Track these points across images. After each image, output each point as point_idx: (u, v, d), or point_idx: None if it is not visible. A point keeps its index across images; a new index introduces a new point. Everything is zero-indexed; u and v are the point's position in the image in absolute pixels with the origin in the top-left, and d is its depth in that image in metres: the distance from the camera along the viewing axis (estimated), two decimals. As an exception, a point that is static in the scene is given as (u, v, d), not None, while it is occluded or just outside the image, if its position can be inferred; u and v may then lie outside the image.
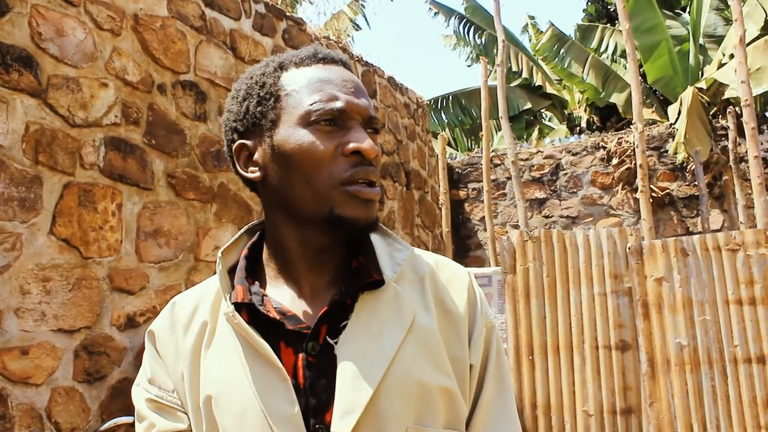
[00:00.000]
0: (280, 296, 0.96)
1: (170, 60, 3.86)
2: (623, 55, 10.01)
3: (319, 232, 0.94)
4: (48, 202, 3.00)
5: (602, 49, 10.47)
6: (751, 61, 7.09)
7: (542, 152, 8.20)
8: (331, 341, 0.90)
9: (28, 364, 2.82)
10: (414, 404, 0.89)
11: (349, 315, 0.92)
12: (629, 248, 5.12)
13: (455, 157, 9.39)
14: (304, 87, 0.94)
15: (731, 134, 7.03)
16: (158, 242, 3.57)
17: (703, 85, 8.08)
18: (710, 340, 4.86)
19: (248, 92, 0.97)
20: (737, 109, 7.02)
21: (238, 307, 0.93)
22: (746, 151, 6.26)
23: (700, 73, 9.20)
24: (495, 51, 10.25)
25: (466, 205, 8.49)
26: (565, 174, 7.99)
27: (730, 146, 7.02)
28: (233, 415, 0.89)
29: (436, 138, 8.27)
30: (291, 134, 0.92)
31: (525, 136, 11.51)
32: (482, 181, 7.50)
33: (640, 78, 6.76)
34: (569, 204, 7.91)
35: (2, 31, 2.91)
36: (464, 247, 8.35)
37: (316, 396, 0.89)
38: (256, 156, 0.96)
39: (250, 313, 0.93)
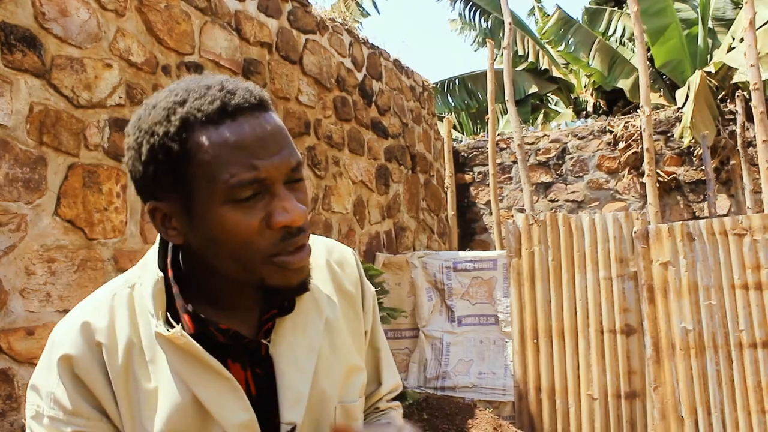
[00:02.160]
0: (219, 316, 0.95)
1: (175, 41, 3.83)
2: (631, 38, 9.93)
3: (249, 287, 0.93)
4: (53, 183, 3.00)
5: (610, 32, 10.39)
6: (761, 45, 7.02)
7: (548, 136, 8.17)
8: (264, 341, 0.96)
9: (34, 345, 2.82)
10: (338, 385, 1.01)
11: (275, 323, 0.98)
12: (635, 232, 5.11)
13: (461, 141, 9.36)
14: (217, 156, 0.84)
15: (739, 118, 6.98)
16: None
17: (711, 69, 8.01)
18: (715, 325, 4.85)
19: (151, 155, 0.87)
20: (746, 93, 6.97)
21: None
22: (754, 136, 6.22)
23: (708, 57, 9.12)
24: (501, 34, 10.17)
25: (471, 188, 8.46)
26: (571, 158, 7.96)
27: (738, 131, 6.98)
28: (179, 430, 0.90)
29: (442, 121, 8.24)
30: (210, 212, 0.86)
31: (531, 120, 11.45)
32: (488, 165, 7.47)
33: (647, 62, 6.70)
34: (575, 188, 7.89)
35: (5, 11, 2.88)
36: (469, 231, 8.33)
37: (265, 401, 0.95)
38: (174, 221, 0.91)
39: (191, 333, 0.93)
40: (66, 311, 2.98)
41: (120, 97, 3.42)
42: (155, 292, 0.92)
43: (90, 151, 3.21)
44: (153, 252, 0.99)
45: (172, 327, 0.90)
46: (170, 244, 0.98)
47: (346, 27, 5.92)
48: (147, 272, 0.95)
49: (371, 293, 1.15)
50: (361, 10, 11.35)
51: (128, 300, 0.95)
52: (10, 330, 2.74)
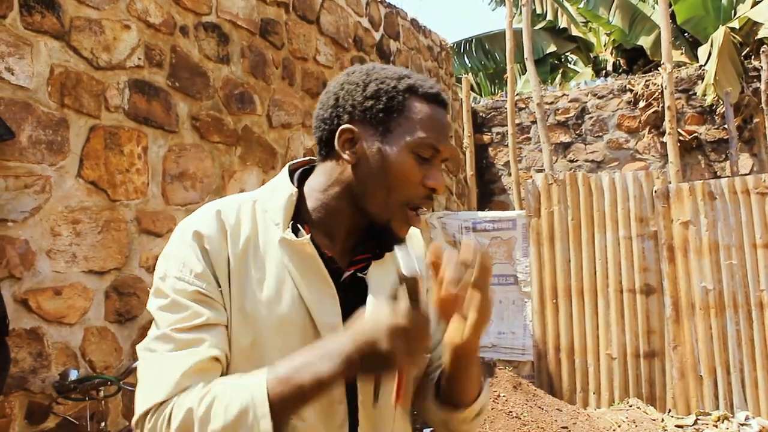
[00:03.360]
0: (322, 241, 1.15)
1: (192, 1, 3.81)
2: (652, -5, 9.72)
3: (365, 219, 1.14)
4: (75, 145, 3.01)
5: (630, -12, 10.17)
6: (786, -1, 6.85)
7: (567, 96, 8.07)
8: (361, 274, 1.16)
9: (62, 304, 2.87)
10: None
11: (367, 268, 1.17)
12: (655, 192, 5.06)
13: (479, 102, 9.26)
14: (423, 119, 1.11)
15: (764, 75, 6.85)
16: (184, 185, 3.58)
17: (735, 24, 7.84)
18: (736, 285, 4.83)
19: (377, 94, 1.12)
20: (770, 49, 6.82)
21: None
22: (778, 93, 6.11)
23: (732, 12, 8.92)
24: (520, -8, 10.00)
25: (490, 149, 8.41)
26: (591, 118, 7.87)
27: (763, 87, 6.85)
28: (280, 325, 1.07)
29: (460, 82, 8.16)
30: (397, 151, 1.10)
31: (550, 80, 11.30)
32: (506, 126, 7.41)
33: (669, 18, 6.57)
34: (594, 148, 7.81)
35: (23, -28, 2.87)
36: (488, 192, 8.31)
37: (351, 314, 1.06)
38: (358, 145, 1.13)
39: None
40: (92, 272, 3.03)
41: (139, 59, 3.41)
42: (288, 203, 1.14)
43: (111, 113, 3.22)
44: (282, 178, 1.19)
45: (294, 234, 1.12)
46: (296, 176, 1.21)
47: (363, -15, 5.84)
48: (276, 191, 1.17)
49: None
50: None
51: (251, 210, 1.15)
52: (39, 290, 2.78)
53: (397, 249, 1.14)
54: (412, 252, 1.19)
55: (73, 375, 2.64)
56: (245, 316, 1.06)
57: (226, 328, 1.06)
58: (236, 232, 1.12)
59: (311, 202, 1.17)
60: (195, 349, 1.01)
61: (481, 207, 7.77)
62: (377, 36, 5.89)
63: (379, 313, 0.96)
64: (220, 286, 1.07)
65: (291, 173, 1.21)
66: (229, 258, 1.09)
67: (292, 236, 1.11)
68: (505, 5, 7.36)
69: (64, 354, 2.87)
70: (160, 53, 3.55)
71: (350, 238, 1.18)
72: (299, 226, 1.13)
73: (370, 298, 1.15)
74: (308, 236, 1.11)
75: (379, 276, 1.18)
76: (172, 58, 3.63)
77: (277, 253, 1.11)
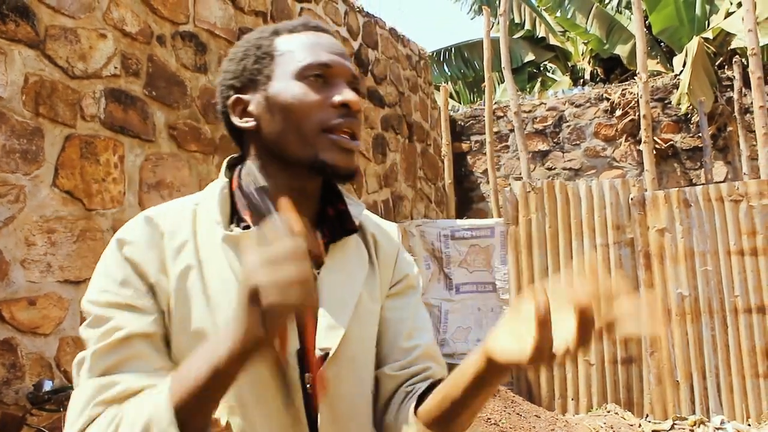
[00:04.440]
0: None
1: (169, 10, 3.80)
2: (628, 5, 9.86)
3: (303, 177, 1.04)
4: (50, 154, 2.99)
5: (607, -1, 10.31)
6: (759, 10, 6.98)
7: (545, 104, 8.14)
8: (315, 271, 1.02)
9: (36, 315, 2.84)
10: (375, 330, 1.08)
11: (326, 254, 1.05)
12: (632, 199, 5.12)
13: (458, 110, 9.32)
14: (297, 48, 1.04)
15: (737, 84, 6.96)
16: (161, 194, 3.57)
17: (709, 35, 7.97)
18: (711, 291, 4.89)
19: (245, 53, 1.06)
20: (743, 59, 6.94)
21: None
22: (751, 102, 6.21)
23: (706, 23, 9.06)
24: (498, 2, 10.09)
25: (468, 157, 8.46)
26: (568, 126, 7.94)
27: (736, 97, 6.96)
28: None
29: (438, 91, 8.20)
30: (284, 86, 1.01)
31: (528, 89, 11.40)
32: (485, 134, 7.46)
33: (645, 28, 6.66)
34: (572, 156, 7.88)
35: (-2, -19, 2.86)
36: (467, 200, 8.35)
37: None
38: (251, 108, 1.04)
39: None
40: (67, 281, 3.00)
41: (115, 68, 3.40)
42: (221, 197, 1.03)
43: (86, 122, 3.20)
44: (219, 179, 1.08)
45: (235, 226, 1.02)
46: (237, 164, 1.10)
47: (341, -5, 5.87)
48: (211, 189, 1.06)
49: (408, 272, 1.18)
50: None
51: (192, 213, 1.04)
52: (12, 300, 2.76)
53: (361, 246, 1.11)
54: (384, 250, 1.15)
55: (48, 386, 2.61)
56: (193, 332, 0.96)
57: (163, 336, 0.96)
58: (173, 238, 1.01)
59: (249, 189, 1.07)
60: (112, 378, 0.90)
61: (460, 215, 7.81)
62: (355, 45, 5.91)
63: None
64: (154, 295, 0.96)
65: (231, 167, 1.11)
66: (166, 267, 0.98)
67: (235, 231, 1.00)
68: (483, 14, 7.42)
69: (39, 365, 2.85)
70: (136, 62, 3.54)
71: (303, 217, 1.05)
72: (241, 210, 1.03)
73: (321, 300, 1.02)
74: (252, 228, 1.00)
75: (339, 272, 1.05)
76: (149, 67, 3.62)
77: (222, 254, 1.00)
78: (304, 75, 1.01)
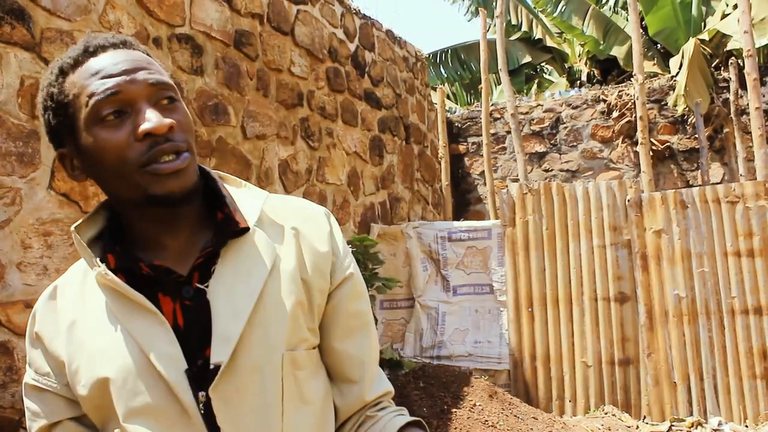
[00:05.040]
0: (151, 256, 1.02)
1: (165, 13, 3.80)
2: (624, 6, 9.86)
3: (152, 209, 0.99)
4: (46, 156, 2.99)
5: (603, 0, 10.31)
6: (755, 11, 6.99)
7: (542, 106, 8.15)
8: (202, 286, 0.99)
9: (32, 318, 2.83)
10: (285, 334, 1.00)
11: (216, 263, 1.02)
12: (629, 201, 5.13)
13: (454, 112, 9.33)
14: (83, 86, 0.96)
15: (733, 86, 6.97)
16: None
17: (705, 36, 7.98)
18: (708, 292, 4.89)
19: (44, 105, 1.01)
20: (740, 60, 6.95)
21: (113, 272, 0.99)
22: (747, 103, 6.22)
23: (702, 24, 9.07)
24: (494, 4, 10.10)
25: (465, 159, 8.46)
26: (565, 127, 7.95)
27: (732, 98, 6.97)
28: (117, 366, 0.96)
29: (435, 92, 8.21)
30: (88, 138, 0.96)
31: (525, 90, 11.41)
32: (482, 135, 7.46)
33: (641, 30, 6.67)
34: (569, 158, 7.89)
35: (-7, -17, 2.85)
36: (464, 202, 8.35)
37: (195, 334, 0.98)
38: (75, 162, 1.02)
39: (126, 276, 1.00)
40: (63, 284, 2.99)
41: (111, 70, 3.40)
42: (78, 244, 1.02)
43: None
44: (84, 216, 1.09)
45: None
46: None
47: (338, -4, 5.86)
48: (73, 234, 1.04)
49: (345, 258, 1.13)
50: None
51: (84, 263, 1.06)
52: (9, 303, 2.75)
53: (264, 238, 1.05)
54: (309, 236, 1.08)
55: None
56: (85, 384, 0.98)
57: (72, 419, 1.04)
58: (65, 299, 1.05)
59: (125, 223, 1.06)
60: None
61: (457, 217, 7.81)
62: (352, 47, 5.91)
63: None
64: (51, 369, 1.03)
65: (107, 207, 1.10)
66: (59, 330, 1.02)
67: (97, 270, 0.99)
68: (480, 16, 7.43)
69: (35, 368, 2.84)
70: (133, 64, 3.54)
71: (178, 234, 1.03)
72: (112, 254, 1.01)
73: (213, 312, 0.99)
74: (102, 267, 0.98)
75: (231, 276, 1.01)
76: (146, 70, 3.61)
77: (100, 295, 1.01)
78: (99, 118, 0.95)
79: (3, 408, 2.68)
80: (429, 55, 10.80)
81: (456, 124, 8.53)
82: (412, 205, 6.83)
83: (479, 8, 9.42)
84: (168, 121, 0.95)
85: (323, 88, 5.36)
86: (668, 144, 7.40)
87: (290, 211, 1.12)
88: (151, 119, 0.94)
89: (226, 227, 1.04)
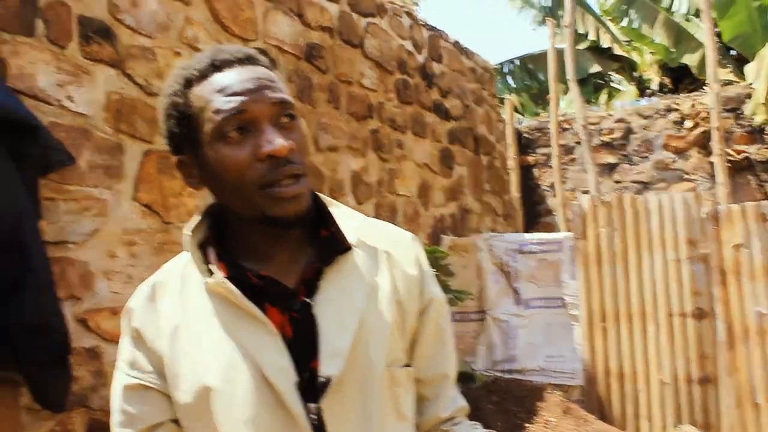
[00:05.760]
0: (256, 266, 1.04)
1: (239, 28, 3.89)
2: (697, 13, 9.61)
3: (265, 226, 1.02)
4: (130, 168, 3.09)
5: (674, 7, 10.07)
6: (838, 16, 6.72)
7: (612, 116, 8.00)
8: (309, 300, 1.02)
9: (119, 324, 2.91)
10: (384, 351, 1.03)
11: (321, 278, 1.03)
12: (705, 214, 4.97)
13: (522, 122, 9.24)
14: (209, 100, 0.99)
15: (815, 93, 6.70)
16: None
17: (784, 42, 7.70)
18: (792, 308, 4.70)
19: (167, 112, 1.05)
20: (822, 66, 6.68)
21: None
22: (832, 111, 5.97)
23: (781, 29, 8.77)
24: (561, 12, 9.98)
25: (535, 170, 8.37)
26: (637, 138, 7.78)
27: (814, 106, 6.70)
28: (224, 374, 0.98)
29: (502, 104, 8.15)
30: (210, 151, 0.99)
31: (594, 100, 11.23)
32: (551, 146, 7.37)
33: (715, 36, 6.49)
34: (641, 169, 7.71)
35: (82, 5, 2.97)
36: (534, 213, 8.25)
37: (302, 347, 0.99)
38: (193, 170, 1.05)
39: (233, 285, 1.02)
40: (145, 293, 3.08)
41: (191, 85, 3.49)
42: (191, 249, 1.05)
43: (163, 137, 3.29)
44: (193, 219, 1.10)
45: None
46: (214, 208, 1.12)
47: (405, 9, 5.90)
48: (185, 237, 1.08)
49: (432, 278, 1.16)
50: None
51: (182, 264, 1.10)
52: (97, 310, 2.85)
53: (362, 259, 1.06)
54: (399, 260, 1.11)
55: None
56: (185, 390, 1.01)
57: (172, 420, 1.05)
58: (166, 299, 1.07)
59: (231, 233, 1.08)
60: None
61: (527, 228, 7.73)
62: (420, 59, 5.93)
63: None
64: (160, 371, 1.04)
65: (210, 214, 1.12)
66: (161, 331, 1.04)
67: (206, 279, 1.02)
68: (546, 25, 7.36)
69: (119, 374, 2.93)
70: (211, 79, 3.63)
71: (283, 248, 1.05)
72: (214, 262, 1.04)
73: (319, 325, 1.01)
74: (218, 274, 1.01)
75: (336, 291, 1.04)
76: (223, 84, 3.70)
77: (204, 300, 1.03)
78: (222, 134, 0.98)
79: (93, 410, 2.78)
80: (497, 65, 10.76)
81: (525, 135, 8.45)
82: (482, 217, 6.79)
83: (546, 18, 9.33)
84: (289, 143, 0.98)
85: (393, 100, 5.39)
86: (746, 154, 7.15)
87: (380, 234, 1.14)
88: (273, 141, 0.97)
89: (331, 245, 1.06)
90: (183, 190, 3.34)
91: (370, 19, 5.22)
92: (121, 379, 1.08)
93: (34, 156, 2.55)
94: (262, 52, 1.10)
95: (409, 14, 5.88)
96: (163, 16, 3.38)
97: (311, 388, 0.98)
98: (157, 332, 1.04)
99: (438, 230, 5.82)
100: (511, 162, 7.43)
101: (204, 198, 3.43)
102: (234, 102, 0.97)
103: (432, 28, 6.24)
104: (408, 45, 5.75)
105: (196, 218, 1.10)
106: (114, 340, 2.90)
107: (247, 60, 1.04)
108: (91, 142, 2.91)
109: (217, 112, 0.97)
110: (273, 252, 1.05)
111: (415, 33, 5.90)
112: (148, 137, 3.21)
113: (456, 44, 6.71)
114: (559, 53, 7.94)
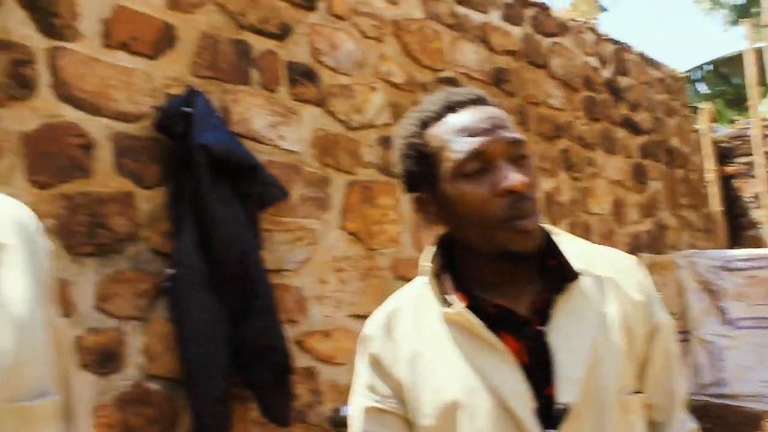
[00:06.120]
0: (489, 295, 1.07)
1: (429, 59, 4.04)
2: None
3: (500, 259, 1.05)
4: (336, 199, 3.31)
5: None
6: None
7: (823, 117, 7.29)
8: (542, 328, 1.04)
9: (331, 346, 3.13)
10: (616, 377, 1.03)
11: (551, 306, 1.05)
12: None
13: (718, 131, 8.67)
14: (447, 140, 1.04)
15: None
16: (433, 233, 3.75)
17: None
18: None
19: (404, 153, 1.11)
20: None
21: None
22: None
23: None
24: (755, 10, 9.29)
25: (734, 181, 7.81)
26: None
27: None
28: (464, 399, 1.01)
29: (696, 113, 7.72)
30: (449, 189, 1.04)
31: (799, 101, 10.30)
32: (753, 155, 6.86)
33: None
34: None
35: (287, 51, 3.25)
36: (736, 226, 7.69)
37: (538, 374, 1.01)
38: (430, 207, 1.10)
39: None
40: (355, 316, 3.27)
41: (386, 117, 3.68)
42: (429, 279, 1.11)
43: (364, 168, 3.49)
44: (427, 249, 1.16)
45: (449, 307, 1.06)
46: (446, 240, 1.16)
47: (587, 25, 5.81)
48: (423, 267, 1.14)
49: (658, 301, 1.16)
50: (598, 5, 11.01)
51: (417, 291, 1.15)
52: (311, 333, 3.07)
53: (592, 287, 1.07)
54: (627, 288, 1.10)
55: (344, 411, 2.87)
56: (430, 415, 1.04)
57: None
58: (404, 326, 1.11)
59: (462, 264, 1.11)
60: None
61: (731, 243, 7.21)
62: (607, 73, 5.80)
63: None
64: (398, 394, 1.08)
65: (442, 244, 1.15)
66: (399, 357, 1.08)
67: (445, 309, 1.06)
68: (740, 25, 6.89)
69: (335, 391, 3.12)
70: (403, 110, 3.79)
71: (516, 278, 1.08)
72: (451, 291, 1.07)
73: (553, 354, 1.03)
74: (457, 304, 1.05)
75: (568, 319, 1.05)
76: (416, 114, 3.86)
77: (441, 328, 1.07)
78: (462, 172, 1.02)
79: (311, 425, 2.99)
80: (687, 73, 10.21)
81: (722, 144, 7.93)
82: (679, 233, 6.45)
83: (740, 19, 8.74)
84: (526, 178, 1.02)
85: (581, 118, 5.31)
86: None
87: (604, 260, 1.15)
88: (511, 177, 1.00)
89: (559, 274, 1.08)
90: (384, 218, 3.52)
91: (553, 39, 5.20)
92: (360, 401, 1.12)
93: (254, 193, 2.83)
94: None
95: (592, 30, 5.78)
96: (359, 55, 3.60)
97: (547, 414, 1.00)
98: (395, 359, 1.09)
99: (634, 248, 5.60)
100: (710, 173, 6.99)
101: (398, 223, 3.60)
102: (472, 142, 1.02)
103: (616, 42, 6.08)
104: (593, 61, 5.65)
105: (430, 249, 1.15)
106: (327, 361, 3.11)
107: (479, 101, 1.09)
108: (301, 177, 3.16)
109: (456, 151, 1.03)
110: (504, 282, 1.08)
111: (599, 48, 5.78)
112: (351, 169, 3.42)
113: (642, 55, 6.48)
114: (758, 53, 7.40)
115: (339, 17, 3.53)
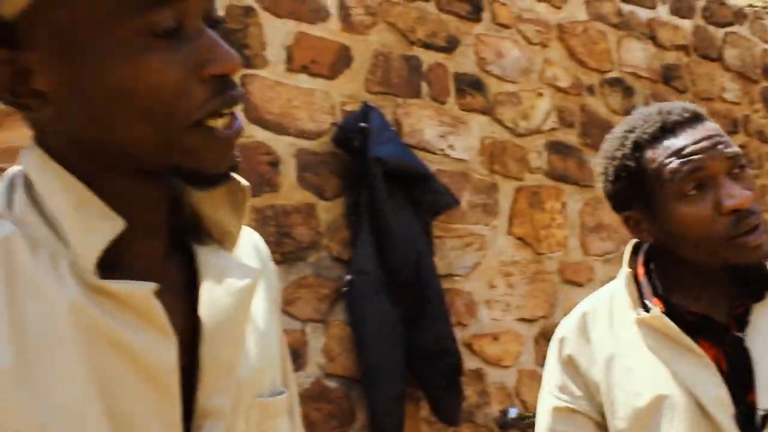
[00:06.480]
0: (685, 302, 1.09)
1: (595, 61, 4.00)
2: None
3: (710, 270, 1.07)
4: (503, 205, 3.40)
5: None
6: None
7: None
8: (740, 334, 1.04)
9: (499, 349, 3.23)
10: None
11: (748, 313, 1.06)
12: None
13: None
14: (662, 163, 1.04)
15: None
16: (600, 236, 3.74)
17: None
18: None
19: (616, 174, 1.10)
20: None
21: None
22: None
23: None
24: None
25: None
26: None
27: None
28: (660, 403, 1.03)
29: None
30: (667, 211, 1.04)
31: None
32: None
33: None
34: None
35: (454, 62, 3.37)
36: None
37: (737, 380, 1.02)
38: (646, 225, 1.10)
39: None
40: (523, 319, 3.36)
41: (553, 122, 3.71)
42: (626, 285, 1.12)
43: (532, 174, 3.55)
44: (626, 254, 1.18)
45: (647, 312, 1.08)
46: (641, 246, 1.18)
47: (767, 10, 5.45)
48: (620, 277, 1.16)
49: None
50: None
51: (610, 294, 1.17)
52: (480, 335, 3.19)
53: None
54: None
55: (512, 413, 2.99)
56: (624, 417, 1.06)
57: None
58: (600, 329, 1.13)
59: (660, 270, 1.12)
60: None
61: None
62: (792, 62, 5.42)
63: None
64: (585, 394, 1.11)
65: (635, 251, 1.17)
66: (596, 360, 1.11)
67: (642, 314, 1.07)
68: None
69: (501, 393, 3.22)
70: (570, 114, 3.81)
71: (715, 286, 1.09)
72: (649, 297, 1.09)
73: (755, 360, 1.02)
74: (655, 310, 1.06)
75: (763, 324, 1.05)
76: (582, 117, 3.85)
77: (637, 333, 1.09)
78: (682, 193, 1.02)
79: (478, 425, 3.11)
80: None
81: None
82: None
83: None
84: (749, 194, 1.03)
85: (759, 111, 5.01)
86: None
87: None
88: (735, 195, 1.01)
89: (756, 281, 1.09)
90: (552, 222, 3.56)
91: (728, 29, 4.95)
92: (550, 401, 1.15)
93: (426, 202, 2.99)
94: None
95: (773, 15, 5.42)
96: (524, 62, 3.66)
97: (747, 420, 1.00)
98: (591, 361, 1.12)
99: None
100: None
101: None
102: (692, 162, 1.03)
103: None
104: (774, 49, 5.30)
105: (627, 255, 1.18)
106: (495, 363, 3.22)
107: (695, 118, 1.08)
108: (470, 184, 3.28)
109: (675, 172, 1.03)
110: (702, 289, 1.10)
111: (780, 32, 5.42)
112: (518, 175, 3.49)
113: (832, 39, 5.97)
114: None
115: (504, 26, 3.60)
